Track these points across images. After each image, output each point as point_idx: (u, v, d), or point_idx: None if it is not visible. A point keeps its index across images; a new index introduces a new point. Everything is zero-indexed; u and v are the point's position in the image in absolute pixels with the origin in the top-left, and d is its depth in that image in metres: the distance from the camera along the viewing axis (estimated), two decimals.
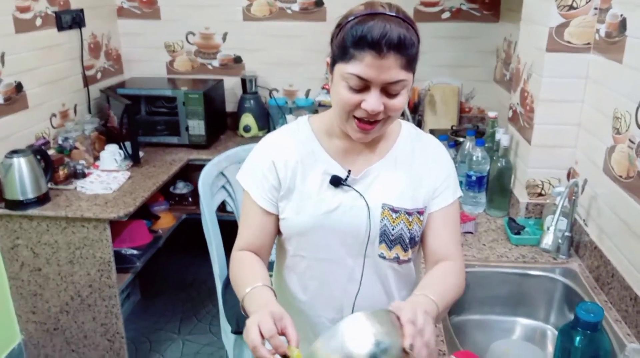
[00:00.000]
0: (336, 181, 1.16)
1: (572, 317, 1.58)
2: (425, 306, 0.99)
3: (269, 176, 1.18)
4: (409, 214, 1.17)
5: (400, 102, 1.07)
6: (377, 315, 0.89)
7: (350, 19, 1.05)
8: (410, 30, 1.03)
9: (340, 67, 1.05)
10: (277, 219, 1.21)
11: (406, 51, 1.01)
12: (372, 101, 1.04)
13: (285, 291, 1.28)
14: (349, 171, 1.17)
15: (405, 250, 1.19)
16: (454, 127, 2.81)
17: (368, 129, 1.09)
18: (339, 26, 1.08)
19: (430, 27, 2.96)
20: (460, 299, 1.22)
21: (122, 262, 2.37)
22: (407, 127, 1.26)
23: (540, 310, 1.67)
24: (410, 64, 1.04)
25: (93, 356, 2.34)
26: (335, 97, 1.10)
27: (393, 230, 1.17)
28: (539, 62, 1.78)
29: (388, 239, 1.17)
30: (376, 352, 0.85)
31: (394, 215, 1.16)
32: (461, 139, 2.40)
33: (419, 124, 3.07)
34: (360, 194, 1.16)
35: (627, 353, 1.11)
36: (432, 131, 2.84)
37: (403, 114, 2.94)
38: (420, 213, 1.19)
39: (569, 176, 1.84)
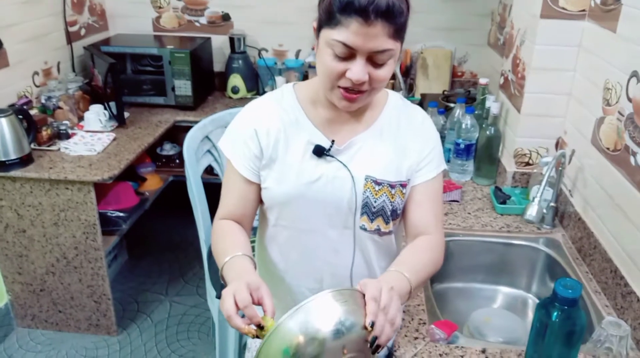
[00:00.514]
0: (319, 151, 1.14)
1: (553, 286, 1.62)
2: (394, 283, 0.98)
3: (250, 144, 1.16)
4: (392, 186, 1.16)
5: (386, 72, 1.04)
6: (342, 293, 0.90)
7: None
8: None
9: (326, 33, 1.02)
10: (259, 188, 1.20)
11: (394, 19, 0.98)
12: (357, 70, 1.01)
13: (266, 260, 1.28)
14: (333, 141, 1.15)
15: (387, 223, 1.19)
16: (445, 92, 2.77)
17: (353, 98, 1.06)
18: None
19: None
20: (442, 267, 1.23)
21: (107, 224, 2.36)
22: (394, 98, 1.23)
23: (522, 279, 1.69)
24: (398, 32, 1.00)
25: (80, 317, 2.36)
26: (320, 66, 1.06)
27: (375, 202, 1.16)
28: (532, 29, 1.74)
29: (370, 211, 1.17)
30: (340, 328, 0.86)
31: (376, 187, 1.15)
32: (452, 105, 2.37)
33: (411, 87, 3.03)
34: (343, 164, 1.14)
35: (603, 326, 1.13)
36: (423, 96, 2.80)
37: (394, 78, 2.90)
38: (403, 185, 1.18)
39: (557, 146, 1.83)
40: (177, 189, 2.84)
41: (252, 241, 1.25)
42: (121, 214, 2.45)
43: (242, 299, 0.91)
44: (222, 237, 1.16)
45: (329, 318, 0.86)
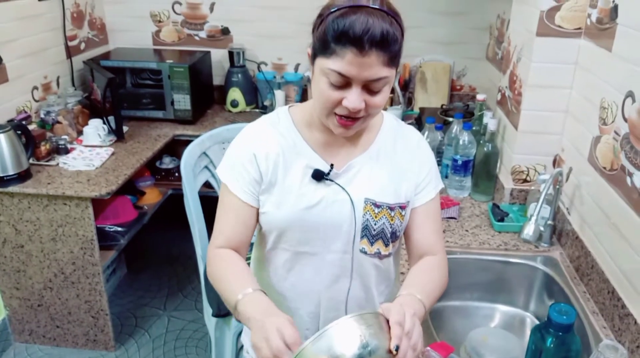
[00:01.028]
0: (318, 176, 1.13)
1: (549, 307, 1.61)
2: (414, 308, 0.99)
3: (250, 168, 1.15)
4: (391, 209, 1.16)
5: (382, 99, 1.04)
6: (365, 317, 0.90)
7: (332, 10, 1.00)
8: (394, 24, 0.98)
9: (321, 62, 1.02)
10: (257, 212, 1.19)
11: (389, 48, 0.97)
12: (353, 99, 1.01)
13: (263, 282, 1.26)
14: (332, 165, 1.14)
15: (387, 245, 1.18)
16: (444, 106, 2.77)
17: (349, 125, 1.06)
18: (321, 16, 1.03)
19: (425, 1, 2.88)
20: None
21: (105, 239, 2.36)
22: (389, 119, 1.23)
23: (520, 297, 1.68)
24: (392, 60, 1.00)
25: (78, 332, 2.35)
26: (316, 92, 1.06)
27: (375, 224, 1.15)
28: (528, 46, 1.74)
29: (370, 234, 1.16)
30: (363, 353, 0.86)
31: (376, 210, 1.15)
32: (450, 119, 2.37)
33: (410, 101, 3.03)
34: (342, 188, 1.14)
35: (600, 350, 1.12)
36: (422, 109, 2.80)
37: (393, 92, 2.90)
38: (402, 207, 1.18)
39: (554, 163, 1.82)
40: (176, 203, 2.83)
41: (247, 259, 1.24)
42: (119, 229, 2.45)
43: (290, 335, 0.89)
44: (226, 269, 1.12)
45: (353, 342, 0.86)
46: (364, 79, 0.99)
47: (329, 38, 0.98)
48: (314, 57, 1.05)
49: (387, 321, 0.91)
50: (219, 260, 1.14)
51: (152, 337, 2.48)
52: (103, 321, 2.31)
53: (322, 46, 1.00)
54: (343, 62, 0.97)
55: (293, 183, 1.14)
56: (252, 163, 1.15)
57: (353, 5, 0.98)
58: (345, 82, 1.00)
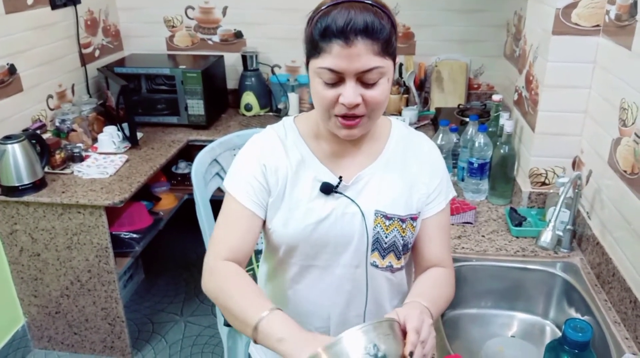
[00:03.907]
0: (327, 189, 1.10)
1: (572, 312, 1.55)
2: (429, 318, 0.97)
3: (259, 178, 1.11)
4: (402, 221, 1.12)
5: (380, 93, 1.00)
6: (381, 324, 0.89)
7: (317, 12, 0.99)
8: (379, 13, 0.97)
9: (313, 64, 1.00)
10: (263, 223, 1.16)
11: (375, 35, 0.95)
12: (348, 93, 0.97)
13: (271, 295, 1.24)
14: (340, 177, 1.11)
15: (399, 258, 1.15)
16: (461, 106, 2.72)
17: (351, 124, 1.02)
18: (309, 22, 1.01)
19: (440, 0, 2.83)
20: (455, 293, 1.19)
21: (121, 246, 2.37)
22: (398, 127, 1.19)
23: (539, 305, 1.63)
24: (384, 49, 0.97)
25: (95, 339, 2.36)
26: (314, 97, 1.04)
27: (386, 237, 1.12)
28: (544, 45, 1.68)
29: (381, 247, 1.12)
30: (378, 355, 0.85)
31: (387, 222, 1.11)
32: (467, 119, 2.31)
33: (426, 101, 2.98)
34: (352, 200, 1.10)
35: None
36: (438, 110, 2.75)
37: (409, 92, 2.86)
38: (414, 218, 1.14)
39: (574, 165, 1.76)
40: (192, 207, 2.82)
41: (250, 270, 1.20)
42: (135, 235, 2.45)
43: None
44: (235, 287, 1.03)
45: (365, 348, 0.85)
46: (355, 70, 0.96)
47: (315, 37, 0.97)
48: (307, 62, 1.03)
49: (400, 326, 0.91)
50: (226, 276, 1.05)
51: (168, 343, 2.49)
52: (119, 328, 2.32)
53: (312, 47, 0.99)
54: (331, 57, 0.95)
55: (301, 197, 1.11)
56: (262, 174, 1.12)
57: (334, 2, 0.97)
58: (338, 78, 0.98)
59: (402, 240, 1.13)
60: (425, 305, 1.02)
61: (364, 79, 0.97)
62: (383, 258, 1.14)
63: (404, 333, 0.91)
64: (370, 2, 0.97)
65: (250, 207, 1.11)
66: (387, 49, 0.98)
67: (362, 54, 0.95)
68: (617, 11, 1.48)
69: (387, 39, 0.97)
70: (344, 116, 1.01)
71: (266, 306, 0.96)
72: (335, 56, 0.95)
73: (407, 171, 1.15)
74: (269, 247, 1.21)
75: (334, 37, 0.94)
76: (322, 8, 0.99)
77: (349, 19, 0.93)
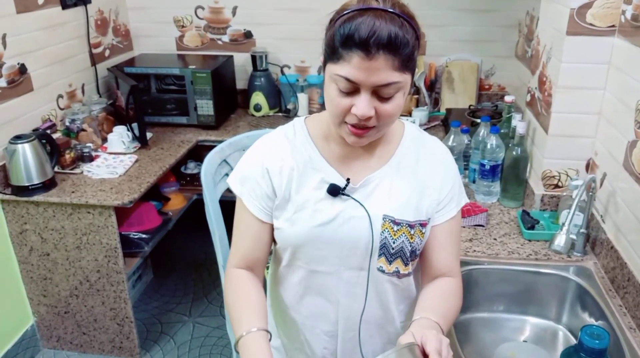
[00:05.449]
0: (334, 191, 1.08)
1: (585, 317, 1.53)
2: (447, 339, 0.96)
3: (262, 183, 1.11)
4: (411, 226, 1.10)
5: (394, 106, 0.98)
6: (402, 352, 0.89)
7: (341, 14, 0.96)
8: (404, 26, 0.92)
9: (330, 68, 0.97)
10: (272, 228, 1.15)
11: (398, 51, 0.91)
12: (362, 106, 0.95)
13: (279, 299, 1.23)
14: (348, 179, 1.09)
15: (406, 264, 1.13)
16: (472, 107, 2.70)
17: (361, 134, 1.00)
18: (331, 22, 0.99)
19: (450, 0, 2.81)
20: (467, 297, 1.18)
21: (130, 246, 2.37)
22: (410, 130, 1.16)
23: (552, 309, 1.61)
24: (404, 64, 0.94)
25: (103, 339, 2.36)
26: (327, 101, 1.02)
27: (394, 243, 1.10)
28: (558, 46, 1.66)
29: (388, 252, 1.10)
30: None
31: (395, 228, 1.09)
32: (478, 121, 2.29)
33: (436, 102, 2.96)
34: (360, 203, 1.09)
35: None
36: (449, 110, 2.73)
37: (419, 92, 2.84)
38: (423, 225, 1.11)
39: (588, 167, 1.74)
40: (201, 208, 2.82)
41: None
42: (144, 235, 2.45)
43: None
44: (237, 300, 1.12)
45: None
46: (372, 84, 0.93)
47: (336, 43, 0.94)
48: (324, 64, 1.00)
49: (419, 348, 0.90)
50: (234, 285, 1.14)
51: (177, 343, 2.48)
52: (128, 328, 2.32)
53: (331, 52, 0.96)
54: (350, 66, 0.92)
55: (308, 199, 1.09)
56: (265, 178, 1.11)
57: (361, 7, 0.93)
58: (353, 88, 0.95)
59: (410, 246, 1.11)
60: (435, 321, 1.01)
61: (379, 93, 0.95)
62: (390, 264, 1.12)
63: (424, 354, 0.90)
64: (398, 12, 0.93)
65: (257, 214, 1.13)
66: (408, 64, 0.95)
67: (382, 69, 0.92)
68: (634, 11, 1.45)
69: (410, 54, 0.94)
70: (355, 125, 0.99)
71: (253, 324, 1.04)
72: (353, 67, 0.92)
73: (419, 175, 1.12)
74: (276, 251, 1.21)
75: (355, 47, 0.91)
76: (347, 11, 0.94)
77: (373, 30, 0.89)
